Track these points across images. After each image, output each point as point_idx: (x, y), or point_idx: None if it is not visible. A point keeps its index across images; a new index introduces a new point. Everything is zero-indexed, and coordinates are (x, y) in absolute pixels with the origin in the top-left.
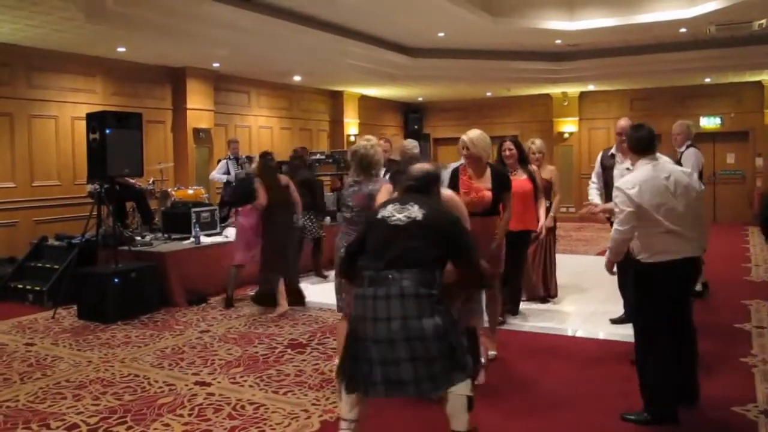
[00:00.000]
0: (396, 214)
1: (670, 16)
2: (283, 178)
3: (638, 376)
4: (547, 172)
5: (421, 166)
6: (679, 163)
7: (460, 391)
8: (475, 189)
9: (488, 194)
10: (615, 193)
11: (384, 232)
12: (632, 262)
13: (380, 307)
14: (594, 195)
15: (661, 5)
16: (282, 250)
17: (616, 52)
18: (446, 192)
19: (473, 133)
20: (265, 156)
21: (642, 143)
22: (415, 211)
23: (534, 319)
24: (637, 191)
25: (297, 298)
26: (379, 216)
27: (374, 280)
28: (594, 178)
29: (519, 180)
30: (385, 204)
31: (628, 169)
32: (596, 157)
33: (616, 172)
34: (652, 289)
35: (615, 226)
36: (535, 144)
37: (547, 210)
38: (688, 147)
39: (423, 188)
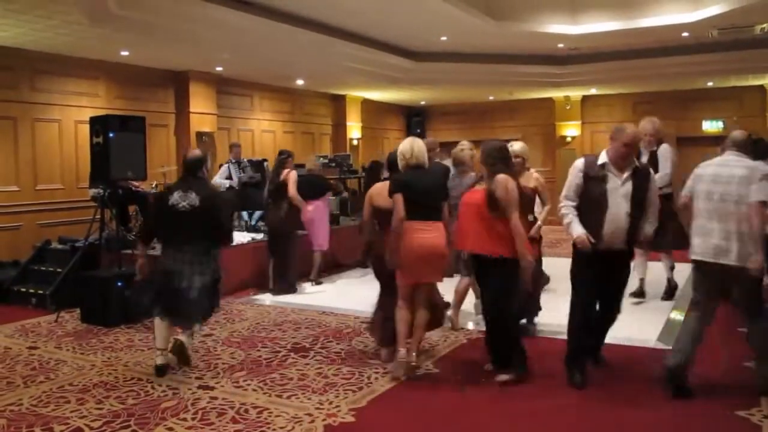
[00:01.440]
0: None
1: (673, 20)
2: None
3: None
4: (530, 179)
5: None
6: (655, 162)
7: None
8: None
9: None
10: None
11: None
12: None
13: None
14: (575, 224)
15: (663, 9)
16: None
17: (619, 55)
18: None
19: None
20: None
21: None
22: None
23: (536, 322)
24: None
25: None
26: None
27: None
28: (570, 195)
29: (472, 192)
30: None
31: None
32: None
33: (613, 186)
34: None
35: None
36: (513, 147)
37: (532, 224)
38: (660, 144)
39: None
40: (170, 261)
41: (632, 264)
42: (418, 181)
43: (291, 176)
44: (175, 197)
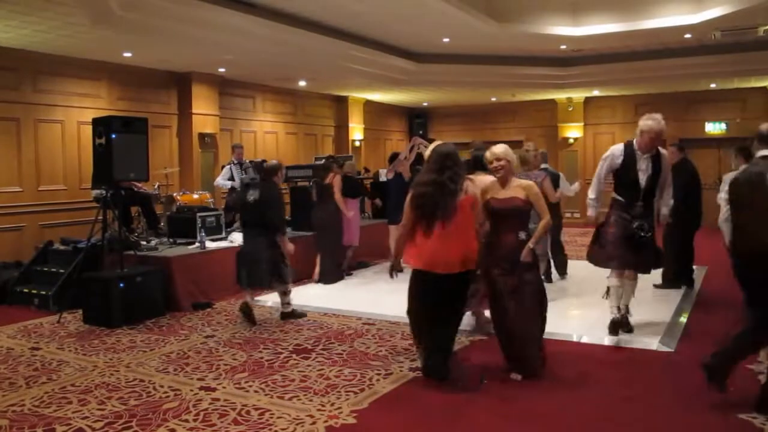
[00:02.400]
0: None
1: (675, 21)
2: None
3: None
4: (518, 189)
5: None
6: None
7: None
8: None
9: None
10: None
11: None
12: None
13: None
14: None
15: (666, 11)
16: None
17: (621, 57)
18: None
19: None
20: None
21: None
22: None
23: None
24: None
25: None
26: None
27: None
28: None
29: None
30: None
31: None
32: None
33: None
34: None
35: None
36: (492, 149)
37: (523, 243)
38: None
39: None
40: (247, 239)
41: None
42: None
43: (336, 181)
44: (249, 192)
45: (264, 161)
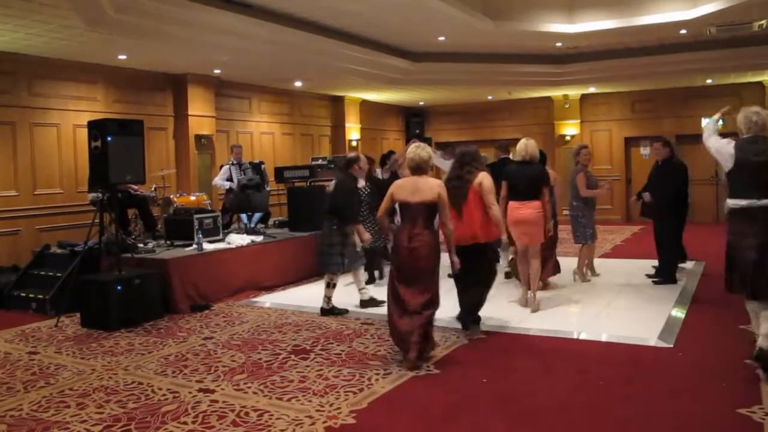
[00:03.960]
0: None
1: (671, 17)
2: None
3: None
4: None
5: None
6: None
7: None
8: None
9: None
10: None
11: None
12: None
13: None
14: None
15: (661, 7)
16: None
17: (617, 54)
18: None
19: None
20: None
21: None
22: None
23: (538, 322)
24: None
25: None
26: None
27: None
28: None
29: None
30: None
31: None
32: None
33: None
34: None
35: None
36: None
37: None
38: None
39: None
40: (323, 227)
41: None
42: (522, 172)
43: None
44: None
45: (261, 162)
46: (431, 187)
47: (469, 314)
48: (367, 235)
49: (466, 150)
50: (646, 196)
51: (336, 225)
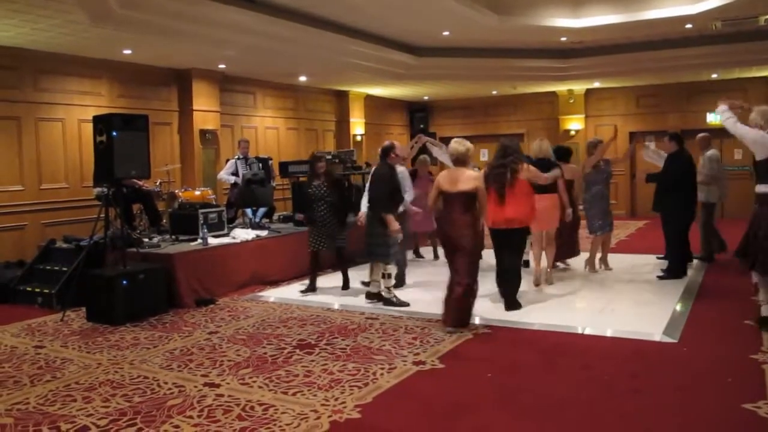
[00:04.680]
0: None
1: (676, 12)
2: None
3: None
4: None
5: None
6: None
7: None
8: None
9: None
10: None
11: None
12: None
13: None
14: None
15: (666, 1)
16: None
17: (622, 48)
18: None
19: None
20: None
21: None
22: None
23: (543, 316)
24: None
25: None
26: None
27: None
28: None
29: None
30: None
31: None
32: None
33: None
34: None
35: None
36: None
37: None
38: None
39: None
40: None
41: None
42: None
43: None
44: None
45: (269, 158)
46: (468, 179)
47: (507, 296)
48: (395, 225)
49: (509, 143)
50: (641, 176)
51: (376, 214)
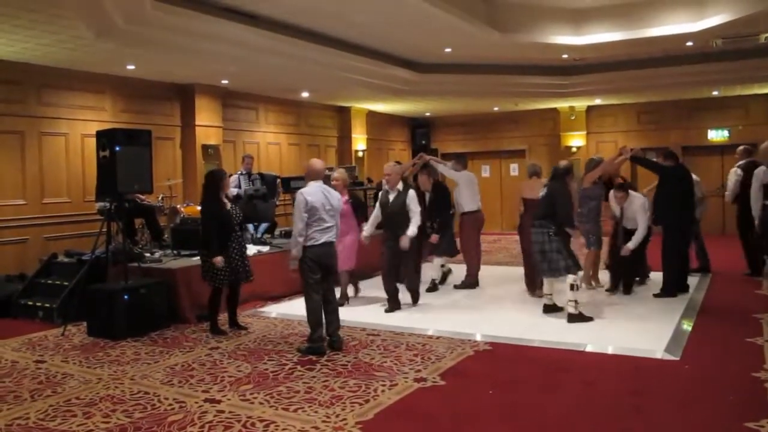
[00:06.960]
0: None
1: (677, 29)
2: None
3: None
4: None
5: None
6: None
7: None
8: None
9: None
10: None
11: None
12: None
13: None
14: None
15: (667, 19)
16: None
17: (623, 65)
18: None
19: None
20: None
21: None
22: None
23: (544, 333)
24: None
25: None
26: None
27: None
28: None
29: None
30: None
31: None
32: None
33: None
34: None
35: None
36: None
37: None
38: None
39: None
40: (534, 232)
41: None
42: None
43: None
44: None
45: (277, 177)
46: (539, 188)
47: None
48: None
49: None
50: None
51: (551, 230)
